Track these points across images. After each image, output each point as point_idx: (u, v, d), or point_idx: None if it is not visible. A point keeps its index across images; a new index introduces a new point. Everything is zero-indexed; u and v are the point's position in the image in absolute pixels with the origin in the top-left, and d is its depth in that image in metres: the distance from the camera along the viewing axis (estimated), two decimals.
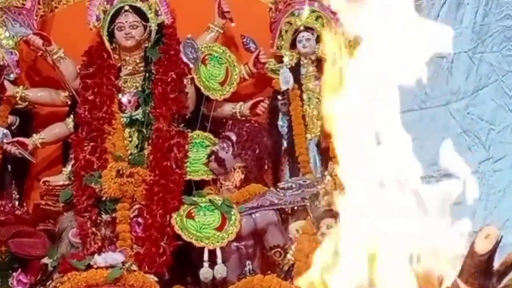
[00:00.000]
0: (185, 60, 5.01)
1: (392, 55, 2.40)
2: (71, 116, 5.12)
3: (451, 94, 5.36)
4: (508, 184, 5.17)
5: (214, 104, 5.10)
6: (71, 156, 5.02)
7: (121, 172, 4.84)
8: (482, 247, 2.20)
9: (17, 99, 5.17)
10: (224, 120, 5.12)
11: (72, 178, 4.96)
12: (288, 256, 4.73)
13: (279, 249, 4.77)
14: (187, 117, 5.04)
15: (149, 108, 5.01)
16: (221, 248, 4.73)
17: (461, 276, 2.21)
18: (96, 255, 4.52)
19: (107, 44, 5.06)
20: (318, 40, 5.13)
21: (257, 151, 4.95)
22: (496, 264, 2.33)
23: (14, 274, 4.83)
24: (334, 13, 5.14)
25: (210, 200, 4.82)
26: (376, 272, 2.31)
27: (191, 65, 5.03)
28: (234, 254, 4.79)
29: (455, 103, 5.37)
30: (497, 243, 2.23)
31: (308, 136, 5.09)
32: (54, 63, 5.09)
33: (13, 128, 5.18)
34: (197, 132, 5.03)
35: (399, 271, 2.33)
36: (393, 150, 2.40)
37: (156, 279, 4.56)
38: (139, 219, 4.80)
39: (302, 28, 5.17)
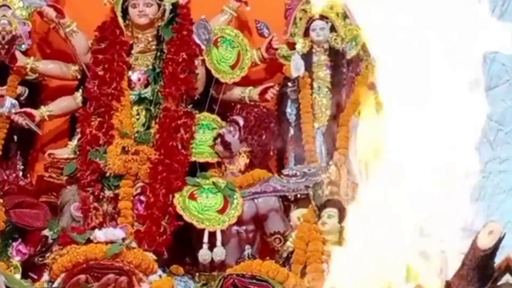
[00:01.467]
0: (197, 41, 5.00)
1: None
2: (80, 90, 5.12)
3: None
4: None
5: (223, 87, 5.09)
6: (78, 130, 5.03)
7: (126, 149, 4.85)
8: (485, 243, 2.20)
9: (27, 70, 5.17)
10: (232, 104, 5.11)
11: (77, 152, 4.96)
12: (288, 243, 4.73)
13: (279, 236, 4.77)
14: (195, 98, 5.03)
15: (158, 87, 5.01)
16: (222, 231, 4.73)
17: (461, 270, 2.21)
18: (96, 230, 4.53)
19: (120, 20, 5.05)
20: (332, 29, 5.12)
21: (264, 136, 4.94)
22: (497, 263, 2.33)
23: (14, 244, 4.84)
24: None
25: (213, 183, 4.82)
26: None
27: (203, 47, 5.02)
28: (234, 237, 4.79)
29: None
30: (500, 240, 2.23)
31: (316, 125, 5.08)
32: (66, 36, 5.08)
33: (21, 98, 5.19)
34: (205, 114, 5.03)
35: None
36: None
37: (154, 257, 4.57)
38: (142, 197, 4.81)
39: (316, 16, 5.16)
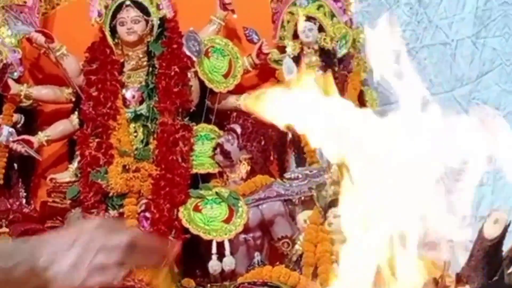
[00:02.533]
0: (188, 53, 5.01)
1: None
2: (76, 112, 5.13)
3: (455, 80, 5.35)
4: None
5: (218, 97, 5.10)
6: (77, 152, 5.03)
7: (127, 167, 4.85)
8: (491, 232, 2.19)
9: (22, 97, 5.17)
10: (228, 112, 5.12)
11: (79, 175, 4.96)
12: (296, 246, 4.72)
13: (287, 240, 4.77)
14: (191, 110, 5.03)
15: (153, 102, 5.01)
16: (229, 240, 4.73)
17: (470, 262, 2.20)
18: None
19: (109, 39, 5.06)
20: (320, 29, 5.12)
21: (263, 142, 4.95)
22: (505, 250, 2.33)
23: None
24: (336, 1, 5.15)
25: (216, 193, 4.82)
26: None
27: (194, 58, 5.03)
28: (242, 246, 4.79)
29: (460, 89, 5.36)
30: (506, 228, 2.22)
31: None
32: (57, 60, 5.09)
33: (18, 126, 5.19)
34: (202, 125, 5.03)
35: (406, 256, 2.32)
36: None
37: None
38: (147, 214, 4.81)
39: (304, 18, 5.16)
